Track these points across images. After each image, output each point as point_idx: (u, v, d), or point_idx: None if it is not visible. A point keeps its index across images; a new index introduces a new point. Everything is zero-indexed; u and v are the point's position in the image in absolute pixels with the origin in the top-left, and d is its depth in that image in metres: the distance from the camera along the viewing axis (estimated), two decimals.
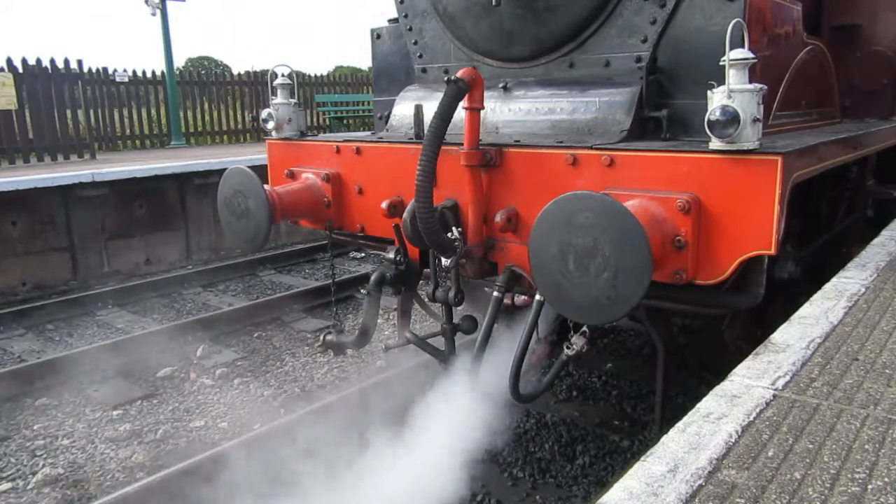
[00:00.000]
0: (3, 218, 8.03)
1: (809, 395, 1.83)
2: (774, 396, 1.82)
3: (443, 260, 3.18)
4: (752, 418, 1.70)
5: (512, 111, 3.57)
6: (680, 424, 1.68)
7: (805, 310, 2.49)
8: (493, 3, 3.44)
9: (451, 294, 3.33)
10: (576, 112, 3.35)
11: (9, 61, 10.80)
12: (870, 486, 1.41)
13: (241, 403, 5.15)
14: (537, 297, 2.96)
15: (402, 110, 4.09)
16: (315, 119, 17.38)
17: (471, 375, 3.22)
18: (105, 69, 13.48)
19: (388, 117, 4.25)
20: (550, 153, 2.99)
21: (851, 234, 4.90)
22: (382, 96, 4.54)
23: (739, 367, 2.01)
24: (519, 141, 3.29)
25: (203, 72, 17.87)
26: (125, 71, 13.85)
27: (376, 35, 4.56)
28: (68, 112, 11.39)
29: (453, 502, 3.35)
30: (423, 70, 4.23)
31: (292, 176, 4.04)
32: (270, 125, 4.20)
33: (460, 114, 3.04)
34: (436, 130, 2.93)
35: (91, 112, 12.95)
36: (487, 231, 3.20)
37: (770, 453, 1.55)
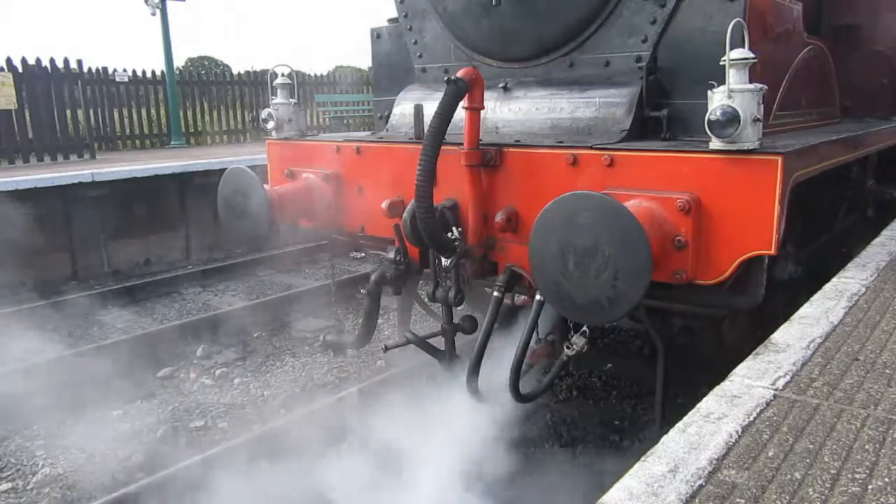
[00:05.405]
0: (2, 218, 8.02)
1: (810, 396, 1.82)
2: (774, 396, 1.82)
3: (443, 260, 3.18)
4: (752, 418, 1.70)
5: (512, 111, 3.56)
6: (680, 424, 1.68)
7: (805, 310, 2.49)
8: (494, 2, 3.44)
9: (451, 294, 3.32)
10: (576, 112, 3.34)
11: (9, 61, 10.80)
12: (870, 487, 1.41)
13: (241, 403, 5.14)
14: (537, 297, 2.96)
15: (402, 110, 4.09)
16: (315, 119, 17.37)
17: (469, 386, 3.20)
18: (105, 69, 13.46)
19: (388, 117, 4.25)
20: (550, 153, 2.99)
21: (851, 234, 4.89)
22: (382, 96, 4.54)
23: (739, 367, 2.01)
24: (519, 141, 3.29)
25: (203, 72, 17.85)
26: (125, 71, 13.83)
27: (376, 35, 4.56)
28: (68, 112, 11.39)
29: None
30: (423, 70, 4.23)
31: (292, 176, 4.03)
32: (270, 125, 4.20)
33: (460, 114, 3.03)
34: (436, 130, 2.93)
35: (91, 112, 12.94)
36: (487, 231, 3.20)
37: (770, 453, 1.54)
